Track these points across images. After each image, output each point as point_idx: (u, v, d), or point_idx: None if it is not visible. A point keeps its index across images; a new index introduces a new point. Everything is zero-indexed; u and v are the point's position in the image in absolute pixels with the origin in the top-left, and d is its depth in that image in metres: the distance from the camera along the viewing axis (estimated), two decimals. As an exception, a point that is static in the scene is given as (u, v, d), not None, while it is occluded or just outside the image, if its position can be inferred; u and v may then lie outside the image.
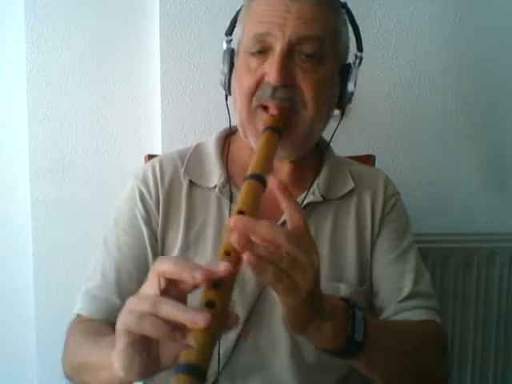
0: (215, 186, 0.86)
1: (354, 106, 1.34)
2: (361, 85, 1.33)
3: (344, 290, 0.83)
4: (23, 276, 1.38)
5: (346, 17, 0.85)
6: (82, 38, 1.30)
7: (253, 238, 0.54)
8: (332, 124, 0.90)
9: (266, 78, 0.77)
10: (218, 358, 0.80)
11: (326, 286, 0.81)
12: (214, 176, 0.87)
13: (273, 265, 0.54)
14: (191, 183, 0.87)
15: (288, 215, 0.59)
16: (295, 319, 0.61)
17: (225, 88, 0.88)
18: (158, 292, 0.53)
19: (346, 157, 1.02)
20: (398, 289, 0.85)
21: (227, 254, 0.54)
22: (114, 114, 1.33)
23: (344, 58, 0.86)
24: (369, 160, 1.17)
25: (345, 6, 0.85)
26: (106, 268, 0.84)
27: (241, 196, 0.62)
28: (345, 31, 0.85)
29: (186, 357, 0.48)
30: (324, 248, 0.85)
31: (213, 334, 0.49)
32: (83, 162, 1.34)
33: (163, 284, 0.53)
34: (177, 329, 0.50)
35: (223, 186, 0.85)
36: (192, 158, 0.90)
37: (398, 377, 0.78)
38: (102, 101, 1.32)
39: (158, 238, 0.85)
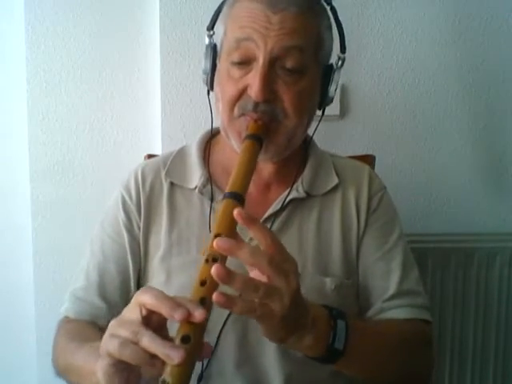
0: (196, 187, 0.87)
1: (354, 106, 1.35)
2: (361, 85, 1.34)
3: (329, 283, 0.83)
4: (23, 276, 1.38)
5: (330, 19, 0.84)
6: (82, 37, 1.30)
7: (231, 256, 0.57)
8: (317, 123, 0.90)
9: (249, 91, 0.77)
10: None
11: (311, 280, 0.82)
12: (195, 177, 0.88)
13: (246, 296, 0.56)
14: (172, 185, 0.89)
15: (258, 240, 0.59)
16: (273, 335, 0.62)
17: (207, 84, 0.88)
18: (140, 318, 0.55)
19: (346, 157, 1.02)
20: (383, 287, 0.86)
21: (202, 284, 0.56)
22: (114, 114, 1.33)
23: (326, 60, 0.86)
24: (369, 160, 1.17)
25: (330, 3, 0.84)
26: (89, 270, 0.87)
27: (219, 217, 0.63)
28: (328, 36, 0.84)
29: None
30: (309, 243, 0.86)
31: (187, 367, 0.51)
32: (83, 162, 1.34)
33: (144, 312, 0.55)
34: (156, 357, 0.51)
35: (203, 187, 0.87)
36: (174, 161, 0.92)
37: (378, 376, 0.79)
38: (102, 101, 1.32)
39: (141, 242, 0.87)
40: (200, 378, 0.81)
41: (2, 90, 1.35)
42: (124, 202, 0.89)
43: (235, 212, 0.59)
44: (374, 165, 1.18)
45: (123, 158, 1.33)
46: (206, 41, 0.86)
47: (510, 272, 1.41)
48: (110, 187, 1.27)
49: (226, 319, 0.80)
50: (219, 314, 0.80)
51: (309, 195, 0.88)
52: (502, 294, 1.41)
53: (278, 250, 0.59)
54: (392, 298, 0.85)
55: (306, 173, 0.89)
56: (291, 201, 0.87)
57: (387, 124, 1.37)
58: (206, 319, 0.53)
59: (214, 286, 0.56)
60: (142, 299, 0.55)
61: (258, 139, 0.77)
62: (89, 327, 0.82)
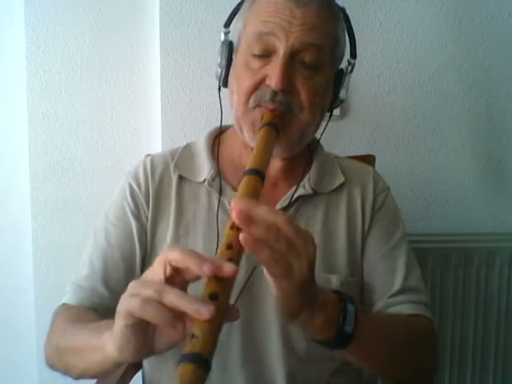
0: (204, 180, 0.88)
1: (354, 106, 1.35)
2: (361, 85, 1.34)
3: (335, 280, 0.84)
4: (23, 276, 1.38)
5: (344, 24, 0.87)
6: (82, 38, 1.30)
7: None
8: (323, 124, 0.91)
9: (267, 81, 0.79)
10: None
11: (317, 277, 0.82)
12: (204, 170, 0.89)
13: (269, 246, 0.55)
14: (181, 178, 0.89)
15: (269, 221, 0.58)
16: (288, 305, 0.61)
17: (220, 80, 0.89)
18: (163, 279, 0.54)
19: (346, 157, 1.03)
20: (388, 284, 0.87)
21: (229, 247, 0.55)
22: (114, 114, 1.33)
23: (339, 63, 0.88)
24: (369, 160, 1.17)
25: (343, 11, 0.87)
26: (93, 259, 0.86)
27: (240, 190, 0.64)
28: (343, 38, 0.86)
29: (190, 347, 0.48)
30: (315, 240, 0.85)
31: (216, 325, 0.50)
32: (83, 162, 1.34)
33: (169, 271, 0.54)
34: (178, 318, 0.51)
35: (213, 180, 0.87)
36: (182, 155, 0.93)
37: (386, 367, 0.79)
38: (102, 101, 1.32)
39: (148, 231, 0.87)
40: (210, 365, 0.81)
41: (2, 90, 1.35)
42: (132, 191, 0.89)
43: (232, 204, 0.57)
44: (374, 165, 1.18)
45: (123, 158, 1.33)
46: (222, 37, 0.87)
47: (510, 272, 1.41)
48: (110, 187, 1.28)
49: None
50: None
51: (315, 193, 0.89)
52: (502, 293, 1.41)
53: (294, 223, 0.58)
54: (397, 293, 0.86)
55: (313, 171, 0.90)
56: (298, 198, 0.87)
57: (387, 124, 1.37)
58: (234, 277, 0.52)
59: (240, 250, 0.55)
60: (169, 255, 0.54)
61: (274, 126, 0.78)
62: (89, 312, 0.81)
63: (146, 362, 0.92)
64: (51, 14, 1.29)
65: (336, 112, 1.32)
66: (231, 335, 0.81)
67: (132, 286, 0.55)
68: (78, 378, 0.74)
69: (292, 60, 0.78)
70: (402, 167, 1.38)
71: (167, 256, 0.54)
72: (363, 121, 1.35)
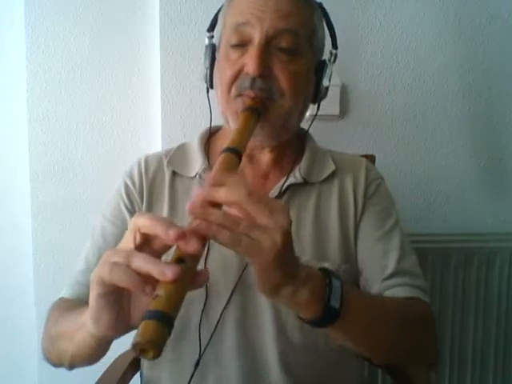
0: (196, 174, 0.89)
1: (354, 106, 1.35)
2: (361, 85, 1.34)
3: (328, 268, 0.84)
4: (23, 276, 1.38)
5: (321, 15, 0.88)
6: (82, 38, 1.30)
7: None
8: (312, 117, 0.92)
9: (246, 69, 0.80)
10: (200, 338, 0.81)
11: (310, 264, 0.82)
12: (196, 166, 0.90)
13: (228, 229, 0.55)
14: (174, 174, 0.91)
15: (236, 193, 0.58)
16: (266, 281, 0.60)
17: (206, 81, 0.91)
18: (132, 246, 0.56)
19: (338, 152, 1.02)
20: (382, 267, 0.86)
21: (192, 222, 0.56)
22: (114, 114, 1.33)
23: (320, 53, 0.89)
24: (369, 160, 1.17)
25: (321, 5, 0.89)
26: (89, 255, 0.88)
27: (216, 165, 0.65)
28: (320, 26, 0.88)
29: (153, 305, 0.49)
30: (307, 228, 0.87)
31: (181, 287, 0.51)
32: (83, 162, 1.34)
33: (138, 239, 0.56)
34: (147, 283, 0.51)
35: (204, 173, 0.88)
36: (176, 152, 0.95)
37: (379, 349, 0.77)
38: (102, 101, 1.32)
39: None
40: (197, 364, 0.81)
41: (2, 90, 1.35)
42: (127, 188, 0.91)
43: (206, 176, 0.58)
44: (374, 165, 1.18)
45: (123, 158, 1.33)
46: (206, 42, 0.90)
47: (510, 272, 1.41)
48: (109, 187, 1.27)
49: (225, 307, 0.81)
50: (218, 302, 0.81)
51: (306, 182, 0.89)
52: (502, 294, 1.41)
53: (260, 193, 0.58)
54: (391, 276, 0.85)
55: (303, 161, 0.91)
56: (289, 187, 0.88)
57: (387, 124, 1.37)
58: (203, 245, 0.53)
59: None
60: (137, 222, 0.55)
61: (255, 110, 0.79)
62: (84, 304, 0.81)
63: (144, 362, 0.92)
64: (51, 13, 1.29)
65: (336, 112, 1.32)
66: (224, 326, 0.82)
67: (105, 254, 0.56)
68: (70, 366, 0.74)
69: (268, 46, 0.80)
70: (402, 167, 1.38)
71: (136, 222, 0.56)
72: (363, 121, 1.35)
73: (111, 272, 0.53)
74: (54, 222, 1.34)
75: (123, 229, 0.87)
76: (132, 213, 0.89)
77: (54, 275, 1.34)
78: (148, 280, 0.51)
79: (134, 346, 0.47)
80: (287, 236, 0.57)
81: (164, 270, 0.50)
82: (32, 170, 1.33)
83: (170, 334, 0.48)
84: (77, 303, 0.81)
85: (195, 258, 0.54)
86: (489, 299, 1.41)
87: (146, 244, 0.56)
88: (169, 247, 0.57)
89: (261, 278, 0.60)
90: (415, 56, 1.35)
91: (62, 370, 0.79)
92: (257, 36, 0.80)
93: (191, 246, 0.52)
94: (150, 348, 0.47)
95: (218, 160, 0.66)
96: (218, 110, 0.90)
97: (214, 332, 0.81)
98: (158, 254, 0.57)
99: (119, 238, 0.86)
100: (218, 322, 0.81)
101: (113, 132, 1.34)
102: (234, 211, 0.57)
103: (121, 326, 0.58)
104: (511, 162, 1.42)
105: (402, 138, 1.38)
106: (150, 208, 0.89)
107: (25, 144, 1.32)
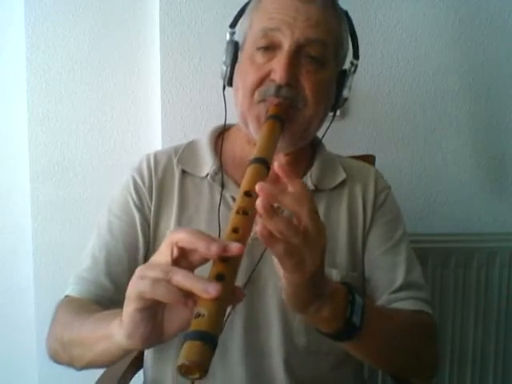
0: (207, 175, 0.88)
1: (354, 106, 1.35)
2: (361, 85, 1.34)
3: (335, 275, 0.85)
4: (23, 276, 1.38)
5: (346, 24, 0.88)
6: (82, 38, 1.30)
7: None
8: (326, 124, 0.92)
9: (272, 76, 0.80)
10: None
11: None
12: (206, 165, 0.90)
13: (285, 239, 0.54)
14: (184, 172, 0.90)
15: (298, 195, 0.58)
16: (297, 298, 0.61)
17: (224, 79, 0.90)
18: (169, 261, 0.54)
19: (346, 157, 1.03)
20: (390, 280, 0.87)
21: (235, 231, 0.55)
22: (114, 114, 1.33)
23: (342, 63, 0.89)
24: (369, 160, 1.17)
25: (347, 13, 0.89)
26: (96, 251, 0.87)
27: (246, 178, 0.64)
28: (346, 37, 0.88)
29: (196, 325, 0.48)
30: None
31: (222, 304, 0.50)
32: (83, 162, 1.34)
33: (176, 253, 0.55)
34: (187, 297, 0.51)
35: (215, 174, 0.88)
36: (185, 150, 0.94)
37: (388, 361, 0.80)
38: (102, 101, 1.32)
39: (151, 224, 0.88)
40: (216, 343, 0.81)
41: (2, 89, 1.35)
42: (135, 184, 0.89)
43: (276, 166, 0.58)
44: (374, 165, 1.18)
45: (123, 158, 1.33)
46: (227, 37, 0.88)
47: (510, 272, 1.41)
48: (109, 187, 1.28)
49: (232, 310, 0.81)
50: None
51: (317, 189, 0.89)
52: (502, 294, 1.41)
53: (316, 209, 0.58)
54: (399, 289, 0.86)
55: (315, 168, 0.91)
56: None
57: (387, 124, 1.37)
58: (241, 257, 0.53)
59: (246, 234, 0.55)
60: (177, 236, 0.54)
61: (279, 119, 0.78)
62: (93, 304, 0.80)
63: (147, 363, 0.92)
64: (51, 13, 1.28)
65: (336, 112, 1.32)
66: (232, 328, 0.82)
67: (140, 269, 0.55)
68: (82, 368, 0.74)
69: (297, 55, 0.79)
70: (402, 167, 1.38)
71: (174, 237, 0.55)
72: (363, 121, 1.35)
73: (153, 288, 0.52)
74: (54, 222, 1.34)
75: (131, 224, 0.87)
76: (140, 209, 0.88)
77: (54, 275, 1.34)
78: (188, 293, 0.51)
79: (180, 367, 0.46)
80: (324, 255, 0.59)
81: (207, 288, 0.49)
82: (32, 170, 1.33)
83: (214, 353, 0.48)
84: (87, 305, 0.80)
85: (234, 273, 0.53)
86: (489, 299, 1.41)
87: (182, 257, 0.55)
88: (206, 260, 0.55)
89: (294, 294, 0.61)
90: (415, 56, 1.35)
91: (62, 370, 0.79)
92: (287, 43, 0.79)
93: (236, 249, 0.51)
94: (196, 369, 0.47)
95: (247, 172, 0.64)
96: (220, 108, 0.89)
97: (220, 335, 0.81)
98: (194, 267, 0.56)
99: (126, 233, 0.87)
100: (225, 324, 0.81)
101: (113, 132, 1.34)
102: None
103: (154, 338, 0.58)
104: (511, 162, 1.42)
105: (402, 138, 1.38)
106: (159, 206, 0.88)
107: (25, 144, 1.32)
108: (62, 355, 0.76)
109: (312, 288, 0.60)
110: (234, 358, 0.82)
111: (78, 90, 1.32)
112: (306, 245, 0.56)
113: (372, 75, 1.34)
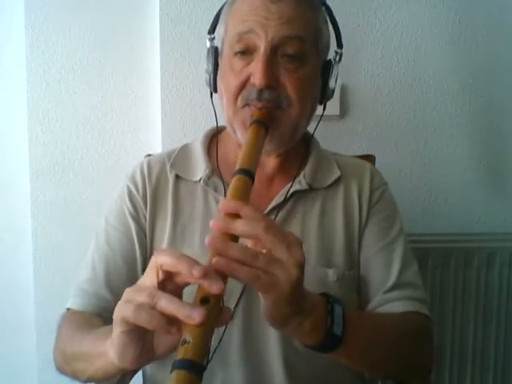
0: (200, 179, 0.88)
1: (354, 106, 1.35)
2: (361, 85, 1.34)
3: (332, 274, 0.84)
4: (23, 276, 1.38)
5: (325, 14, 0.87)
6: (82, 38, 1.30)
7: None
8: (318, 119, 0.91)
9: (252, 80, 0.79)
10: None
11: (314, 271, 0.82)
12: (200, 170, 0.89)
13: (247, 265, 0.55)
14: (177, 177, 0.90)
15: (252, 222, 0.59)
16: (276, 314, 0.61)
17: (210, 86, 0.90)
18: (155, 284, 0.55)
19: (347, 155, 1.03)
20: (383, 279, 0.86)
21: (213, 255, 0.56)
22: (114, 114, 1.33)
23: (325, 54, 0.88)
24: (369, 160, 1.16)
25: (324, 3, 0.87)
26: (95, 262, 0.87)
27: (230, 190, 0.65)
28: (325, 29, 0.86)
29: (182, 353, 0.49)
30: (312, 235, 0.86)
31: (207, 329, 0.51)
32: (83, 162, 1.34)
33: (161, 276, 0.55)
34: (172, 322, 0.51)
35: (208, 178, 0.88)
36: (179, 155, 0.93)
37: (377, 367, 0.80)
38: (102, 101, 1.32)
39: (147, 232, 0.88)
40: (203, 369, 0.82)
41: (2, 89, 1.35)
42: (130, 193, 0.89)
43: (219, 205, 0.60)
44: (374, 165, 1.18)
45: (123, 158, 1.33)
46: (208, 44, 0.88)
47: (510, 272, 1.41)
48: (109, 187, 1.28)
49: (233, 311, 0.81)
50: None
51: (311, 188, 0.89)
52: (502, 294, 1.41)
53: (276, 225, 0.59)
54: (392, 289, 0.85)
55: (308, 166, 0.91)
56: (294, 193, 0.88)
57: (387, 124, 1.37)
58: (225, 283, 0.53)
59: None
60: (160, 259, 0.54)
61: (263, 124, 0.78)
62: (95, 318, 0.81)
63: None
64: (51, 13, 1.29)
65: (336, 112, 1.32)
66: (231, 330, 0.82)
67: (126, 292, 0.55)
68: (86, 382, 0.75)
69: (274, 55, 0.78)
70: (402, 167, 1.38)
71: (158, 260, 0.55)
72: (363, 121, 1.35)
73: (136, 314, 0.52)
74: (53, 222, 1.34)
75: (127, 235, 0.87)
76: (135, 219, 0.88)
77: (54, 275, 1.34)
78: (172, 319, 0.51)
79: None
80: (302, 267, 0.58)
81: (191, 314, 0.49)
82: (32, 170, 1.33)
83: (201, 379, 0.49)
84: (88, 319, 0.81)
85: (219, 296, 0.53)
86: (489, 299, 1.41)
87: (168, 279, 0.55)
88: (191, 282, 0.56)
89: (272, 311, 0.60)
90: (415, 56, 1.35)
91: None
92: (262, 45, 0.78)
93: (216, 287, 0.51)
94: None
95: (231, 185, 0.66)
96: (219, 112, 0.89)
97: (221, 338, 0.80)
98: (180, 288, 0.56)
99: (124, 244, 0.87)
100: (226, 327, 0.81)
101: (113, 132, 1.34)
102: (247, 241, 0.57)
103: (145, 359, 0.58)
104: (511, 162, 1.42)
105: (402, 138, 1.38)
106: (154, 213, 0.88)
107: (25, 144, 1.32)
108: (66, 368, 0.77)
109: (292, 303, 0.59)
110: (234, 361, 0.82)
111: (78, 90, 1.32)
112: (271, 264, 0.56)
113: (372, 75, 1.34)
